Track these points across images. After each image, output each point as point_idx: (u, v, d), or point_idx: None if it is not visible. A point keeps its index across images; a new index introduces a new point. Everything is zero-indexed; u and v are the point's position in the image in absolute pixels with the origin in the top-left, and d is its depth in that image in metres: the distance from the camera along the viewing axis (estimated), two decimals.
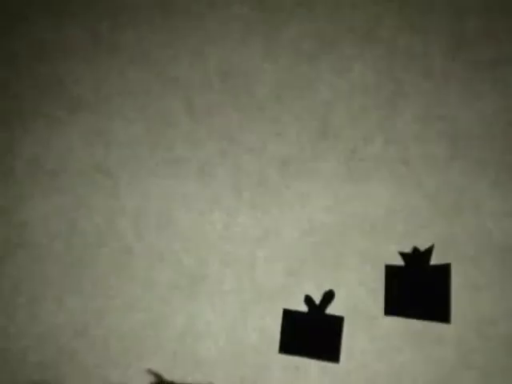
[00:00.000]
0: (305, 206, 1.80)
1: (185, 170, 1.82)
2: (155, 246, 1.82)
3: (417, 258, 1.73)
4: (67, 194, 1.84)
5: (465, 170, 1.75)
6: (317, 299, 1.77)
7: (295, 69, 1.81)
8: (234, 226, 1.80)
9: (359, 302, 1.76)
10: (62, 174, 1.84)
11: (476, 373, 1.72)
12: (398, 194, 1.77)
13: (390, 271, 1.74)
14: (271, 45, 1.82)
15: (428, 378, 1.73)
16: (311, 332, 1.76)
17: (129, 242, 1.82)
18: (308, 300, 1.77)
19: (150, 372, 1.79)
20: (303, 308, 1.77)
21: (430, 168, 1.76)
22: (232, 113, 1.82)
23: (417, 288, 1.72)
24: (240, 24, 1.83)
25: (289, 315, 1.77)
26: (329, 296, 1.77)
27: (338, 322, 1.76)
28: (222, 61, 1.83)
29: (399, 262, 1.74)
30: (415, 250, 1.73)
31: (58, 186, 1.84)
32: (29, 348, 1.83)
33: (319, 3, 1.82)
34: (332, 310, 1.76)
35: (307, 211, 1.80)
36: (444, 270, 1.72)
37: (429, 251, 1.73)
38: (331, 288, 1.77)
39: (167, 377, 1.79)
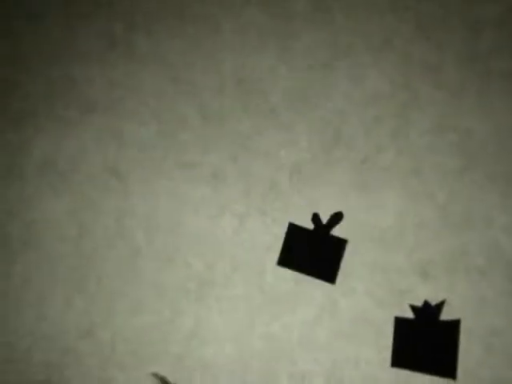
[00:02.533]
0: (315, 212, 1.80)
1: (196, 174, 1.83)
2: (164, 249, 1.83)
3: (427, 312, 1.74)
4: (78, 195, 1.85)
5: (476, 182, 1.76)
6: (326, 308, 1.78)
7: (309, 76, 1.82)
8: (244, 231, 1.82)
9: (366, 312, 1.77)
10: (74, 175, 1.86)
11: None
12: (409, 205, 1.78)
13: (400, 324, 1.75)
14: (286, 52, 1.84)
15: None
16: (313, 249, 1.76)
17: (138, 244, 1.84)
18: (315, 218, 1.77)
19: (156, 375, 1.80)
20: (311, 315, 1.78)
21: (442, 179, 1.77)
22: (245, 118, 1.83)
23: (425, 342, 1.74)
24: (255, 31, 1.84)
25: (294, 230, 1.76)
26: (337, 217, 1.77)
27: (341, 244, 1.76)
28: (237, 67, 1.84)
29: (407, 285, 1.75)
30: (426, 303, 1.74)
31: (69, 186, 1.85)
32: (34, 347, 1.85)
33: (335, 11, 1.84)
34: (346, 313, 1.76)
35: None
36: (454, 326, 1.72)
37: (439, 306, 1.73)
38: (339, 296, 1.77)
39: (172, 380, 1.80)
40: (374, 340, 1.77)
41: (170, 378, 1.81)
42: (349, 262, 1.79)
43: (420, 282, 1.77)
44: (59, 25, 1.91)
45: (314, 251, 1.78)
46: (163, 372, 1.81)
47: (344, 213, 1.81)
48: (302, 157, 1.83)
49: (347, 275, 1.79)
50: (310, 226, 1.82)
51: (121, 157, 1.87)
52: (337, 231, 1.80)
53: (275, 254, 1.82)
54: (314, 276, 1.77)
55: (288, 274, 1.81)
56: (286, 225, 1.82)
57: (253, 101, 1.85)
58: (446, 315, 1.74)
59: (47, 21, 1.91)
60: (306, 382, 1.78)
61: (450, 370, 1.74)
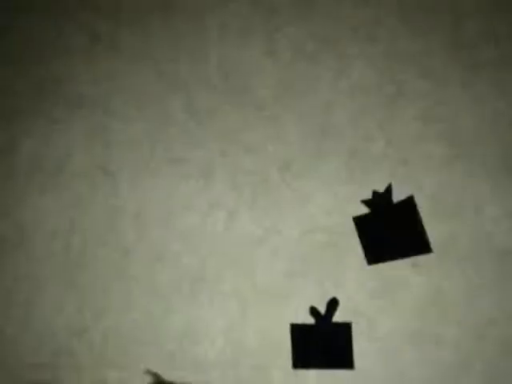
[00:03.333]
0: (305, 206, 1.81)
1: (185, 170, 1.83)
2: (155, 246, 1.83)
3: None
4: (66, 193, 1.85)
5: (465, 171, 1.76)
6: (318, 302, 1.78)
7: (296, 68, 1.82)
8: (235, 227, 1.82)
9: (359, 304, 1.77)
10: (62, 173, 1.86)
11: (475, 375, 1.73)
12: (399, 195, 1.78)
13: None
14: (271, 45, 1.84)
15: (427, 380, 1.74)
16: (322, 343, 1.78)
17: (128, 241, 1.83)
18: (314, 311, 1.78)
19: (149, 373, 1.80)
20: (303, 310, 1.78)
21: (430, 169, 1.77)
22: (232, 113, 1.83)
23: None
24: (240, 23, 1.84)
25: (297, 329, 1.78)
26: (333, 304, 1.78)
27: (346, 328, 1.78)
28: (222, 60, 1.84)
29: (399, 276, 1.75)
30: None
31: (58, 185, 1.85)
32: (26, 349, 1.84)
33: (319, 3, 1.83)
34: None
35: (308, 211, 1.81)
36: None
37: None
38: (333, 291, 1.78)
39: (166, 378, 1.79)
40: (366, 332, 1.77)
41: (163, 375, 1.81)
42: (340, 253, 1.80)
43: (411, 272, 1.77)
44: (43, 21, 1.90)
45: (322, 344, 1.80)
46: (157, 369, 1.81)
47: (334, 204, 1.81)
48: (290, 150, 1.83)
49: (339, 267, 1.79)
50: (303, 218, 1.82)
51: (109, 154, 1.87)
52: (327, 221, 1.80)
53: (266, 249, 1.82)
54: (332, 368, 1.79)
55: (279, 268, 1.81)
56: (277, 219, 1.82)
57: (240, 95, 1.85)
58: (437, 305, 1.75)
59: (31, 18, 1.90)
60: (300, 375, 1.78)
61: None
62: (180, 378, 1.80)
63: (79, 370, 1.82)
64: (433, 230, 1.77)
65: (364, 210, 1.79)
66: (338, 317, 1.78)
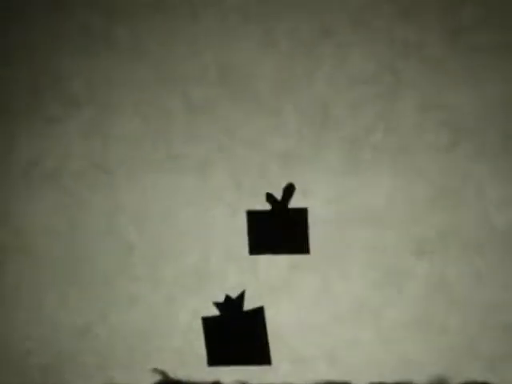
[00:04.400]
0: (306, 198, 1.82)
1: (184, 166, 1.83)
2: (157, 242, 1.83)
3: (231, 306, 1.81)
4: (66, 194, 1.85)
5: (466, 157, 1.78)
6: (322, 295, 1.79)
7: (293, 60, 1.83)
8: (237, 221, 1.82)
9: (363, 294, 1.78)
10: (61, 172, 1.85)
11: (481, 361, 1.75)
12: (400, 184, 1.80)
13: (208, 323, 1.80)
14: (268, 37, 1.85)
15: (434, 367, 1.75)
16: (278, 228, 1.78)
17: (130, 239, 1.83)
18: (269, 197, 1.78)
19: (156, 371, 1.80)
20: (307, 302, 1.79)
21: (431, 156, 1.79)
22: (230, 106, 1.83)
23: (234, 335, 1.80)
24: (235, 16, 1.84)
25: (253, 215, 1.77)
26: (289, 190, 1.78)
27: (302, 213, 1.77)
28: (219, 54, 1.84)
29: (403, 264, 1.76)
30: (227, 297, 1.80)
31: (57, 185, 1.84)
32: (31, 351, 1.84)
33: None
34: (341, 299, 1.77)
35: (308, 204, 1.81)
36: (258, 313, 1.80)
37: (240, 298, 1.79)
38: (337, 283, 1.79)
39: (173, 375, 1.79)
40: (372, 321, 1.79)
41: (170, 373, 1.81)
42: (342, 244, 1.80)
43: (415, 260, 1.78)
44: (37, 19, 1.89)
45: (278, 229, 1.79)
46: (163, 367, 1.81)
47: (335, 195, 1.81)
48: (290, 142, 1.84)
49: (342, 258, 1.80)
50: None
51: (107, 152, 1.86)
52: (328, 214, 1.81)
53: None
54: (287, 253, 1.78)
55: (282, 261, 1.82)
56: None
57: (237, 88, 1.85)
58: (442, 293, 1.76)
59: (25, 16, 1.88)
60: (308, 366, 1.79)
61: (263, 357, 1.78)
62: (187, 375, 1.80)
63: (85, 371, 1.82)
64: (435, 218, 1.78)
65: (365, 201, 1.80)
66: (344, 309, 1.79)
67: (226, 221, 1.84)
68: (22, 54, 1.89)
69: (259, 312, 1.78)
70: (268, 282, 1.82)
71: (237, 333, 1.79)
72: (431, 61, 1.81)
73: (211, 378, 1.79)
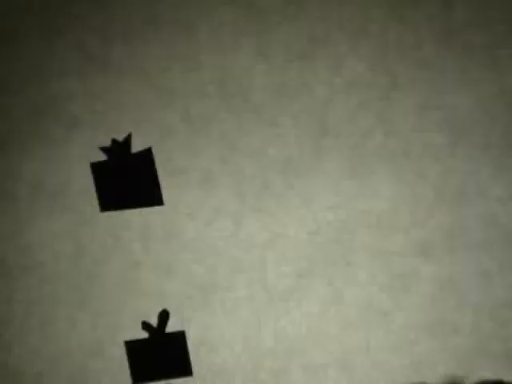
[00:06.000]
0: (310, 205, 1.84)
1: (186, 180, 1.85)
2: (163, 258, 1.85)
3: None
4: (70, 213, 1.87)
5: (467, 157, 1.79)
6: (330, 301, 1.80)
7: (289, 69, 1.85)
8: (241, 232, 1.84)
9: (371, 298, 1.79)
10: (65, 193, 1.88)
11: (494, 359, 1.76)
12: (402, 186, 1.81)
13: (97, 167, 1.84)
14: (262, 48, 1.87)
15: (446, 368, 1.76)
16: (157, 355, 1.81)
17: (136, 256, 1.86)
18: (146, 325, 1.80)
19: None
20: (316, 310, 1.80)
21: (432, 157, 1.80)
22: (229, 119, 1.85)
23: (124, 176, 1.83)
24: (230, 28, 1.87)
25: (131, 345, 1.79)
26: (164, 316, 1.80)
27: (180, 337, 1.80)
28: (215, 67, 1.87)
29: (409, 267, 1.78)
30: (114, 141, 1.83)
31: (61, 205, 1.87)
32: (43, 372, 1.85)
33: (308, 2, 1.86)
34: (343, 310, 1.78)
35: (312, 211, 1.84)
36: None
37: (128, 139, 1.83)
38: (344, 288, 1.80)
39: None
40: (382, 325, 1.80)
41: None
42: (348, 250, 1.82)
43: (422, 262, 1.80)
44: (33, 41, 1.92)
45: (158, 356, 1.82)
46: (176, 382, 1.82)
47: (338, 202, 1.83)
48: (290, 151, 1.86)
49: (348, 264, 1.82)
50: (308, 218, 1.84)
51: None
52: (332, 220, 1.82)
53: (275, 252, 1.85)
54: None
55: (289, 269, 1.84)
56: (283, 221, 1.84)
57: (235, 100, 1.88)
58: (451, 293, 1.77)
59: (21, 38, 1.92)
60: (320, 373, 1.80)
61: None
62: None
63: None
64: (439, 219, 1.79)
65: (368, 204, 1.82)
66: (353, 314, 1.80)
67: (231, 233, 1.85)
68: (21, 79, 1.92)
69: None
70: (276, 292, 1.83)
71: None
72: (426, 61, 1.83)
73: None
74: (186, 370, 1.81)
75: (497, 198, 1.77)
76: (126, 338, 1.85)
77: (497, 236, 1.77)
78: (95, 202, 1.89)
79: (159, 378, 1.83)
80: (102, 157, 1.87)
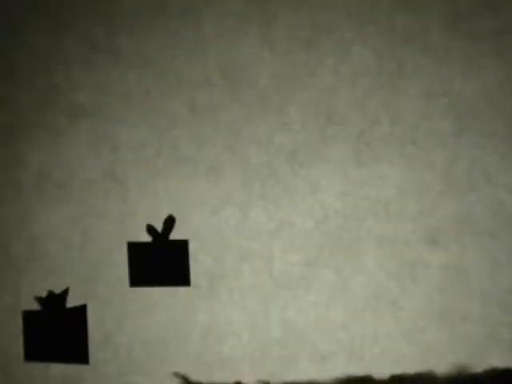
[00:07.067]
0: (317, 194, 1.84)
1: (193, 169, 1.86)
2: None
3: (53, 302, 1.86)
4: (77, 203, 1.88)
5: (473, 143, 1.80)
6: (338, 289, 1.81)
7: (295, 57, 1.86)
8: (248, 221, 1.85)
9: (379, 286, 1.80)
10: (70, 182, 1.89)
11: (505, 346, 1.76)
12: (409, 174, 1.82)
13: (27, 316, 1.85)
14: (268, 36, 1.88)
15: (456, 355, 1.76)
16: (159, 259, 1.82)
17: None
18: (150, 229, 1.80)
19: (177, 375, 1.81)
20: (324, 298, 1.80)
21: (439, 144, 1.81)
22: (236, 108, 1.86)
23: (53, 332, 1.85)
24: (236, 18, 1.88)
25: (134, 247, 1.80)
26: (170, 222, 1.80)
27: (183, 245, 1.84)
28: (221, 56, 1.88)
29: (417, 255, 1.78)
30: (50, 293, 1.85)
31: (67, 195, 1.88)
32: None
33: None
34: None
35: (319, 199, 1.84)
36: (80, 311, 1.85)
37: (64, 294, 1.85)
38: (352, 277, 1.80)
39: (193, 378, 1.81)
40: (390, 313, 1.80)
41: (191, 376, 1.83)
42: (356, 238, 1.82)
43: (430, 250, 1.80)
44: (39, 33, 1.94)
45: (159, 261, 1.85)
46: (184, 371, 1.83)
47: (345, 190, 1.84)
48: (297, 139, 1.87)
49: (356, 252, 1.82)
50: (315, 206, 1.85)
51: (116, 160, 1.90)
52: (339, 207, 1.83)
53: (282, 241, 1.85)
54: (169, 285, 1.85)
55: (297, 257, 1.84)
56: (290, 209, 1.85)
57: (241, 89, 1.89)
58: (459, 280, 1.77)
59: (27, 30, 1.93)
60: (328, 362, 1.80)
61: (81, 356, 1.83)
62: (208, 377, 1.82)
63: (107, 379, 1.84)
64: (446, 206, 1.80)
65: (375, 192, 1.82)
66: (361, 302, 1.81)
67: (238, 222, 1.86)
68: (27, 69, 1.93)
69: (82, 310, 1.84)
70: (284, 281, 1.84)
71: (56, 329, 1.84)
72: (432, 48, 1.83)
73: (231, 380, 1.81)
74: (184, 279, 1.84)
75: (503, 185, 1.78)
76: (134, 327, 1.85)
77: (504, 222, 1.77)
78: (101, 192, 1.90)
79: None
80: None
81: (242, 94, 1.90)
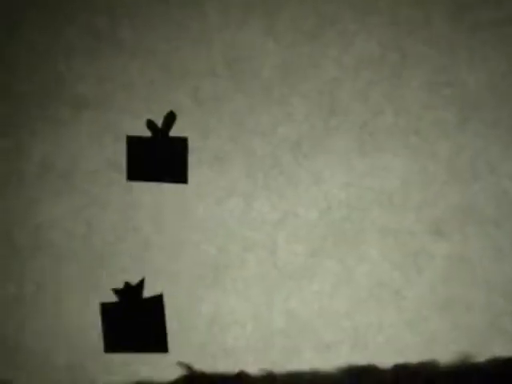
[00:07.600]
0: (320, 184, 1.85)
1: (197, 160, 1.86)
2: (174, 237, 1.87)
3: (130, 292, 1.85)
4: (80, 193, 1.88)
5: (477, 133, 1.81)
6: (342, 279, 1.81)
7: (299, 48, 1.86)
8: (252, 211, 1.85)
9: (383, 276, 1.80)
10: (74, 173, 1.89)
11: (507, 336, 1.76)
12: (413, 164, 1.82)
13: (105, 308, 1.85)
14: (272, 26, 1.88)
15: (460, 345, 1.77)
16: (158, 155, 1.80)
17: (147, 235, 1.87)
18: (150, 124, 1.81)
19: (180, 365, 1.82)
20: (328, 288, 1.81)
21: (442, 135, 1.82)
22: (239, 98, 1.87)
23: (133, 322, 1.84)
24: (239, 8, 1.88)
25: (134, 141, 1.80)
26: (170, 118, 1.81)
27: (182, 142, 1.80)
28: (225, 47, 1.88)
29: (421, 245, 1.79)
30: (126, 284, 1.84)
31: (71, 185, 1.88)
32: (55, 350, 1.86)
33: None
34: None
35: (323, 189, 1.85)
36: (157, 301, 1.83)
37: (140, 285, 1.84)
38: (356, 267, 1.81)
39: (197, 368, 1.82)
40: (394, 303, 1.81)
41: (194, 366, 1.83)
42: (359, 228, 1.83)
43: (434, 240, 1.81)
44: (41, 23, 1.94)
45: (158, 157, 1.82)
46: (187, 360, 1.84)
47: (349, 180, 1.84)
48: (300, 130, 1.87)
49: (360, 242, 1.83)
50: (319, 197, 1.85)
51: (119, 150, 1.90)
52: (343, 198, 1.83)
53: (286, 231, 1.86)
54: (165, 181, 1.82)
55: (301, 248, 1.85)
56: (294, 200, 1.86)
57: (245, 80, 1.89)
58: (463, 270, 1.78)
59: (29, 20, 1.93)
60: (332, 352, 1.81)
61: (160, 345, 1.82)
62: (211, 367, 1.83)
63: (110, 367, 1.85)
64: (450, 196, 1.81)
65: (379, 182, 1.83)
66: (364, 292, 1.82)
67: (241, 212, 1.87)
68: (29, 60, 1.93)
69: (158, 299, 1.83)
70: (287, 271, 1.85)
71: (135, 319, 1.83)
72: (436, 38, 1.84)
73: (235, 369, 1.82)
74: (182, 175, 1.84)
75: (508, 175, 1.79)
76: None
77: (508, 212, 1.78)
78: (104, 182, 1.90)
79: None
80: None
81: (245, 85, 1.90)
